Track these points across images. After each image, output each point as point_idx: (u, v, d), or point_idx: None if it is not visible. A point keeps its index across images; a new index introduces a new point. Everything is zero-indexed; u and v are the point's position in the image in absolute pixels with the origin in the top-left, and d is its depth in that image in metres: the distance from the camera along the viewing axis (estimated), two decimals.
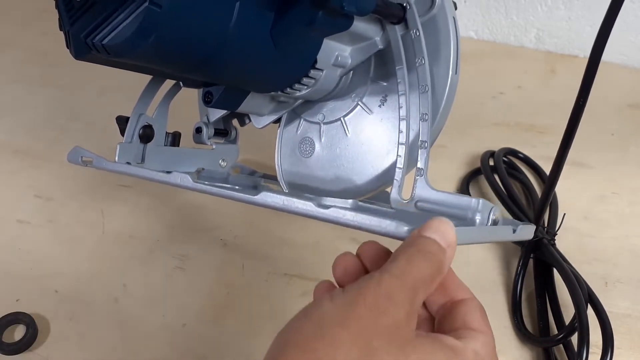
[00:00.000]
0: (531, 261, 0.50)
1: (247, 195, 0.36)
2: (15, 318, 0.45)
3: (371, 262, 0.30)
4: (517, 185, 0.58)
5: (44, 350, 0.45)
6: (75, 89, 0.67)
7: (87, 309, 0.47)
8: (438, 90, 0.39)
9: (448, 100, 0.39)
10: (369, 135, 0.41)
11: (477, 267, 0.52)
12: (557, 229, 0.51)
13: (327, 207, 0.32)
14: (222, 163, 0.49)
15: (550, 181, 0.45)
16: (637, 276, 0.51)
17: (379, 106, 0.41)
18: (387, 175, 0.40)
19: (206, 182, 0.38)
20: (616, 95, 0.70)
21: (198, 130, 0.46)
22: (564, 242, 0.48)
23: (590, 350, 0.41)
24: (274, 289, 0.49)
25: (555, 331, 0.46)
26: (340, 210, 0.31)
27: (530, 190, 0.57)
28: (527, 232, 0.38)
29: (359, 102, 0.41)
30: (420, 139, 0.36)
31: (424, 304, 0.31)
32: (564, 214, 0.52)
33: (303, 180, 0.44)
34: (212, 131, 0.47)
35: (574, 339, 0.43)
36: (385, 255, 0.30)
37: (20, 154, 0.60)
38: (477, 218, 0.33)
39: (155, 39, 0.29)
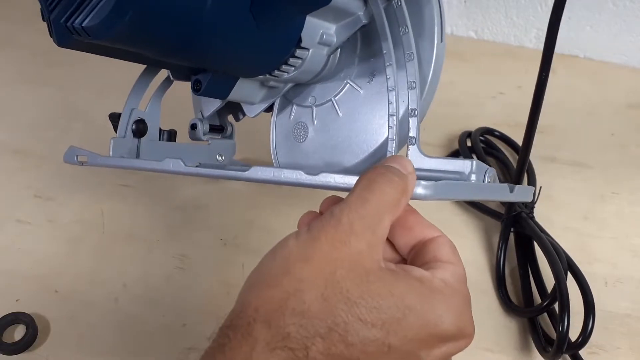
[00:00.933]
0: (512, 236, 0.52)
1: (238, 172, 0.36)
2: (15, 318, 0.45)
3: None
4: (495, 163, 0.59)
5: (44, 350, 0.45)
6: (75, 89, 0.67)
7: (87, 309, 0.47)
8: (425, 60, 0.39)
9: (436, 69, 0.39)
10: (361, 113, 0.41)
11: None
12: (534, 201, 0.52)
13: (315, 174, 0.32)
14: (220, 158, 0.49)
15: (523, 152, 0.46)
16: (637, 276, 0.51)
17: (368, 82, 0.41)
18: (381, 151, 0.41)
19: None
20: (616, 95, 0.70)
21: (193, 126, 0.46)
22: (564, 242, 0.48)
23: (571, 316, 0.41)
24: None
25: (540, 301, 0.48)
26: (328, 175, 0.31)
27: (508, 166, 0.58)
28: (525, 193, 0.39)
29: (348, 81, 0.42)
30: (409, 107, 0.36)
31: (395, 249, 0.31)
32: (540, 187, 0.53)
33: (299, 165, 0.44)
34: (207, 127, 0.47)
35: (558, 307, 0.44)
36: None
37: (20, 154, 0.60)
38: (473, 179, 0.34)
39: (131, 17, 0.29)
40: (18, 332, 0.45)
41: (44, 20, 0.34)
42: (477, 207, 0.55)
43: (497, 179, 0.36)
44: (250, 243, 0.52)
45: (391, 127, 0.37)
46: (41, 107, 0.65)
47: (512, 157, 0.60)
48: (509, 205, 0.51)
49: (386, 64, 0.37)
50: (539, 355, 0.45)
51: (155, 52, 0.35)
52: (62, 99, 0.66)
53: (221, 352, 0.24)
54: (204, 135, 0.47)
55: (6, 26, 0.76)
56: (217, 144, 0.49)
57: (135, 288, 0.49)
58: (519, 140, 0.62)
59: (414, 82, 0.36)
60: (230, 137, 0.50)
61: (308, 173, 0.33)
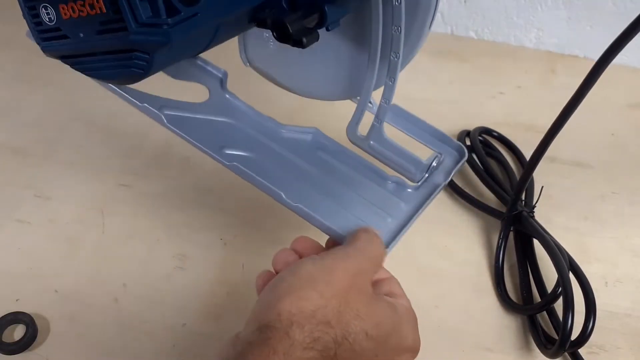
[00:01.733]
0: (511, 235, 0.52)
1: (219, 158, 0.39)
2: (15, 318, 0.45)
3: (307, 253, 0.38)
4: (493, 163, 0.59)
5: (44, 350, 0.45)
6: (75, 89, 0.67)
7: (87, 309, 0.47)
8: (409, 41, 0.38)
9: (414, 53, 0.40)
10: (340, 49, 0.41)
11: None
12: (535, 201, 0.52)
13: (294, 203, 0.38)
14: None
15: (536, 156, 0.46)
16: (637, 276, 0.51)
17: (351, 29, 0.40)
18: (351, 87, 0.42)
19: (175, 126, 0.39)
20: (616, 95, 0.70)
21: None
22: (564, 242, 0.48)
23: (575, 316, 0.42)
24: None
25: (539, 300, 0.48)
26: (305, 209, 0.38)
27: (506, 166, 0.58)
28: (453, 162, 0.44)
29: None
30: (383, 97, 0.40)
31: None
32: (542, 187, 0.53)
33: (267, 67, 0.45)
34: None
35: (557, 306, 0.44)
36: (316, 248, 0.38)
37: (20, 154, 0.60)
38: (416, 175, 0.42)
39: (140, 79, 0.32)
40: (18, 332, 0.45)
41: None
42: (477, 205, 0.55)
43: (440, 161, 0.43)
44: (250, 243, 0.52)
45: (366, 100, 0.41)
46: (41, 107, 0.65)
47: (508, 157, 0.60)
48: (510, 205, 0.51)
49: (370, 53, 0.38)
50: (539, 354, 0.45)
51: None
52: (62, 99, 0.66)
53: (266, 344, 0.30)
54: None
55: (6, 26, 0.76)
56: None
57: (135, 288, 0.49)
58: (517, 140, 0.62)
59: (393, 78, 0.38)
60: None
61: (288, 197, 0.38)
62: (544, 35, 0.76)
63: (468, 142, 0.60)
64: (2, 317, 0.45)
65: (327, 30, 0.34)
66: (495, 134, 0.62)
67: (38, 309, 0.46)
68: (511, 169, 0.58)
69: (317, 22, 0.33)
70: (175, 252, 0.51)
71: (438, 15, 0.78)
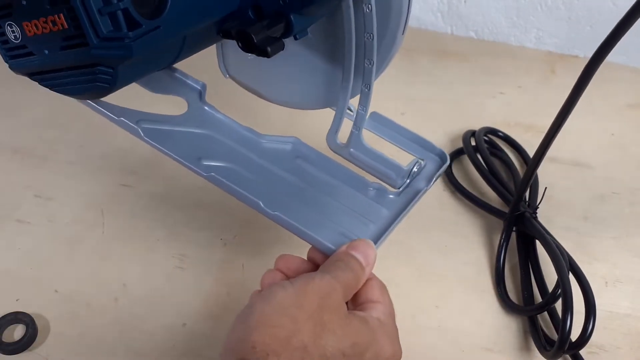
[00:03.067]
0: (514, 235, 0.52)
1: (197, 169, 0.39)
2: (15, 318, 0.45)
3: (291, 271, 0.38)
4: (498, 163, 0.59)
5: (44, 350, 0.45)
6: None
7: (87, 309, 0.47)
8: (384, 45, 0.38)
9: (389, 59, 0.40)
10: (316, 59, 0.41)
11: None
12: (538, 202, 0.52)
13: (273, 211, 0.37)
14: None
15: (537, 156, 0.46)
16: (637, 276, 0.52)
17: (326, 39, 0.40)
18: (329, 95, 0.42)
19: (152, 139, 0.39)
20: (616, 95, 0.70)
21: None
22: (564, 242, 0.48)
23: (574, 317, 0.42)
24: None
25: (540, 301, 0.48)
26: (284, 217, 0.37)
27: (511, 167, 0.58)
28: (435, 167, 0.44)
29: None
30: (359, 104, 0.39)
31: None
32: (545, 188, 0.53)
33: (246, 78, 0.45)
34: None
35: (559, 307, 0.44)
36: (299, 262, 0.38)
37: (20, 154, 0.60)
38: (398, 180, 0.41)
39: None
40: (18, 332, 0.45)
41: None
42: (480, 205, 0.55)
43: (421, 167, 0.42)
44: (250, 243, 0.53)
45: (347, 110, 0.41)
46: (41, 107, 0.65)
47: (513, 157, 0.60)
48: (513, 205, 0.51)
49: (345, 60, 0.38)
50: (538, 355, 0.45)
51: None
52: (62, 99, 0.66)
53: None
54: None
55: None
56: None
57: (135, 288, 0.49)
58: (517, 140, 0.62)
59: (368, 85, 0.38)
60: None
61: (266, 206, 0.37)
62: (544, 35, 0.76)
63: (473, 142, 0.60)
64: (2, 317, 0.45)
65: (295, 39, 0.34)
66: (500, 134, 0.62)
67: (38, 309, 0.46)
68: (516, 169, 0.58)
69: (284, 31, 0.33)
70: (175, 252, 0.51)
71: (438, 15, 0.78)
